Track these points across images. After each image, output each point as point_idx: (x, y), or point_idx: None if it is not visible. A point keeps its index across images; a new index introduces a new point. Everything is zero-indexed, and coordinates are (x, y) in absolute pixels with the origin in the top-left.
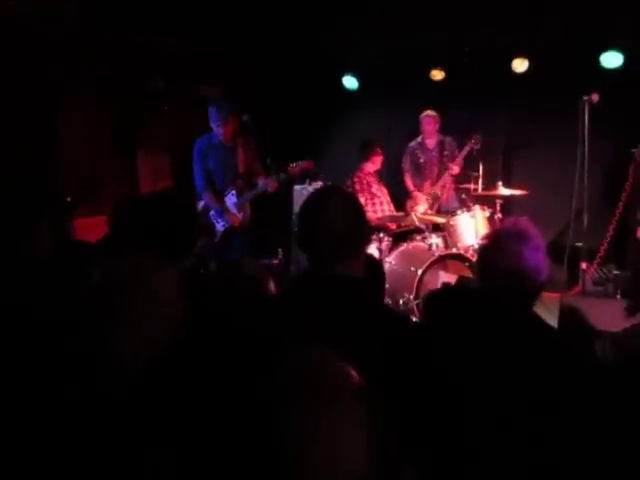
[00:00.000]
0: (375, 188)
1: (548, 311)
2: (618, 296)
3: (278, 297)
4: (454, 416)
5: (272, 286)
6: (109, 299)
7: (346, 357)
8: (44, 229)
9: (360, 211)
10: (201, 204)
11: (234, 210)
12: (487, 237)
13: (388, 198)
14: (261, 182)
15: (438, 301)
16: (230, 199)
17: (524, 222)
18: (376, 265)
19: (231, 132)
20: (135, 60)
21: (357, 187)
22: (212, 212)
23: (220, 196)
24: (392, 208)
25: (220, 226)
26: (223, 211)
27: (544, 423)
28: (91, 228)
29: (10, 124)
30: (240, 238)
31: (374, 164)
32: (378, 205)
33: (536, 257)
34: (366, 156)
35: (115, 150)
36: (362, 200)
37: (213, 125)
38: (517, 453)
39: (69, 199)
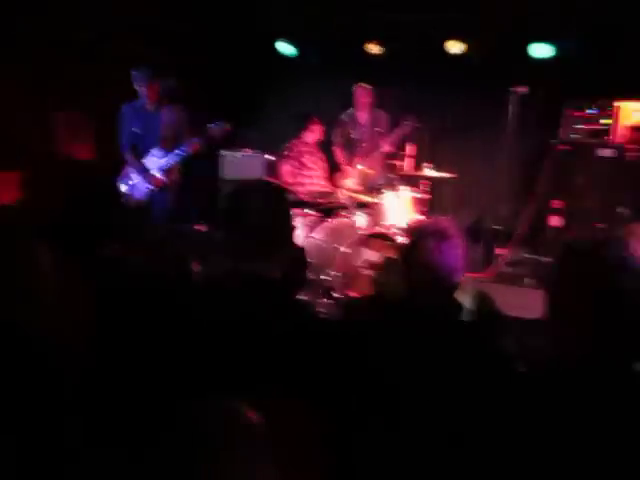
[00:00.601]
0: (307, 159)
1: (462, 291)
2: (526, 279)
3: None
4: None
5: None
6: None
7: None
8: None
9: (285, 208)
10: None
11: (156, 172)
12: (409, 234)
13: (322, 172)
14: (185, 144)
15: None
16: (151, 161)
17: (445, 221)
18: (300, 252)
19: (155, 96)
20: (62, 12)
21: (287, 154)
22: (133, 173)
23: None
24: (324, 183)
25: (143, 188)
26: (144, 171)
27: (454, 424)
28: (2, 183)
29: None
30: (164, 201)
31: (313, 133)
32: (307, 178)
33: (455, 256)
34: (304, 125)
35: (30, 105)
36: (289, 168)
37: (137, 87)
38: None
39: None
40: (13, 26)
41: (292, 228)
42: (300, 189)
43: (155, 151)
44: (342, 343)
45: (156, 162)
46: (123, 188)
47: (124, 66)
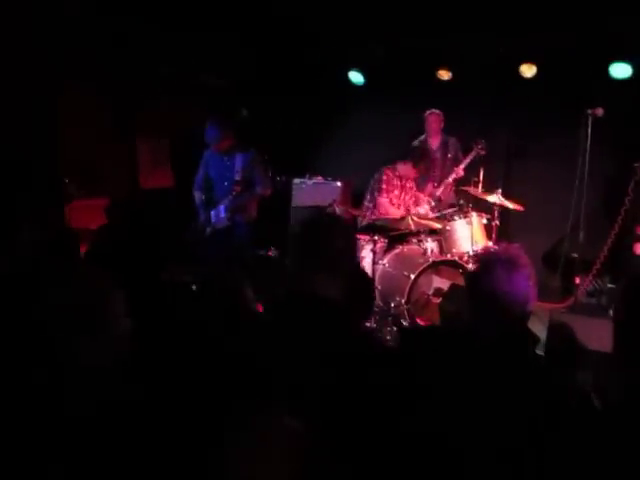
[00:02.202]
0: (398, 190)
1: (539, 321)
2: (610, 311)
3: (260, 318)
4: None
5: (249, 295)
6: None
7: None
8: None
9: (351, 237)
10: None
11: (222, 215)
12: (479, 261)
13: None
14: (257, 188)
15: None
16: (221, 206)
17: (516, 249)
18: (366, 281)
19: (226, 147)
20: (138, 45)
21: (383, 187)
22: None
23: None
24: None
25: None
26: (201, 208)
27: (521, 461)
28: (89, 209)
29: (10, 107)
30: (242, 232)
31: (414, 169)
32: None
33: (525, 285)
34: (418, 159)
35: (115, 134)
36: (385, 201)
37: (208, 142)
38: None
39: (67, 180)
40: (99, 59)
41: (355, 255)
42: (370, 217)
43: (224, 201)
44: (400, 373)
45: (221, 213)
46: (206, 217)
47: (201, 98)
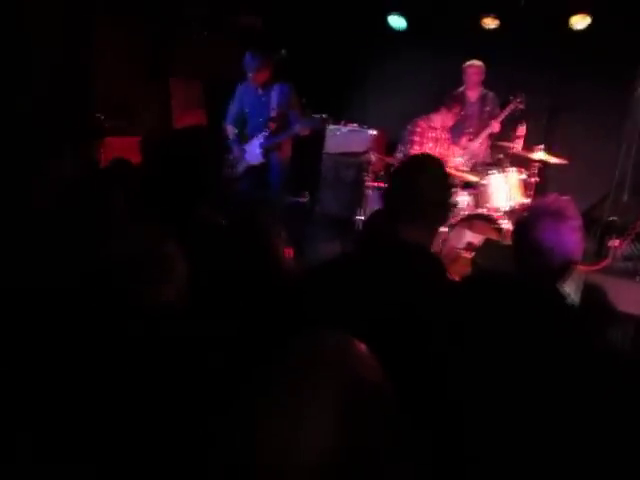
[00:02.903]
0: (433, 142)
1: (574, 283)
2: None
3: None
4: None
5: (282, 241)
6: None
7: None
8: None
9: (449, 185)
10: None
11: (256, 152)
12: (527, 210)
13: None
14: (293, 126)
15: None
16: (255, 141)
17: (565, 201)
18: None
19: (263, 80)
20: None
21: (415, 138)
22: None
23: (245, 138)
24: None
25: (239, 168)
26: (234, 143)
27: (549, 412)
28: (123, 148)
29: (44, 41)
30: (277, 170)
31: (448, 115)
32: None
33: (573, 238)
34: (450, 103)
35: (148, 74)
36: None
37: (246, 71)
38: (521, 446)
39: (101, 117)
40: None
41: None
42: None
43: (263, 132)
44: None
45: (259, 141)
46: (240, 157)
47: (234, 38)
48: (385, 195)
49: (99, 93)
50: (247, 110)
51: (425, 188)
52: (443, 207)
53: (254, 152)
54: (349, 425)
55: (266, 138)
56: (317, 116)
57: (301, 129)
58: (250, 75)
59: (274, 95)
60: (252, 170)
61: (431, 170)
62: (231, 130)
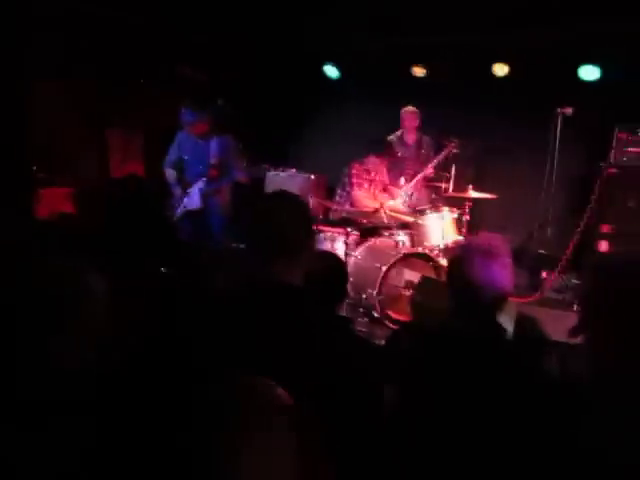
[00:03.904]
0: (368, 183)
1: (506, 315)
2: (575, 306)
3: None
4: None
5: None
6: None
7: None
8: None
9: (309, 219)
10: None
11: (194, 198)
12: (459, 248)
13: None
14: (233, 174)
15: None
16: (195, 187)
17: (495, 239)
18: (339, 267)
19: (201, 131)
20: (111, 37)
21: (355, 181)
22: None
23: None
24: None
25: (178, 211)
26: (175, 186)
27: (488, 441)
28: (58, 198)
29: None
30: (215, 219)
31: (375, 164)
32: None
33: (504, 274)
34: (382, 150)
35: (86, 125)
36: (363, 194)
37: (183, 124)
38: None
39: (34, 168)
40: (71, 49)
41: (313, 236)
42: (341, 209)
43: (200, 181)
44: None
45: (199, 185)
46: (180, 200)
47: (174, 88)
48: (248, 234)
49: (35, 144)
50: (186, 157)
51: (286, 225)
52: (306, 239)
53: (193, 197)
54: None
55: (206, 184)
56: (257, 166)
57: (241, 176)
58: (187, 128)
59: (213, 144)
60: (191, 214)
61: (288, 207)
62: (171, 173)
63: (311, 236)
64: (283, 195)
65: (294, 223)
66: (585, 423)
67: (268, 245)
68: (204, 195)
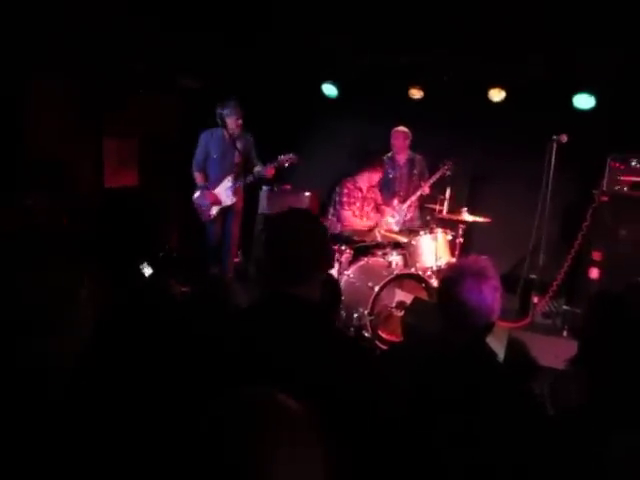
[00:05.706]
0: (360, 202)
1: (497, 340)
2: (565, 332)
3: (237, 317)
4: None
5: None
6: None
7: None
8: None
9: (325, 237)
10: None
11: (228, 194)
12: (450, 270)
13: (367, 213)
14: (258, 169)
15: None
16: (225, 184)
17: (485, 261)
18: (333, 285)
19: (239, 126)
20: (114, 43)
21: (345, 200)
22: (197, 194)
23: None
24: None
25: (213, 211)
26: (205, 189)
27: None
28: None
29: None
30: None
31: (374, 174)
32: (356, 218)
33: (493, 297)
34: (373, 165)
35: (80, 133)
36: (349, 214)
37: (231, 119)
38: None
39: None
40: (68, 54)
41: (330, 259)
42: (337, 226)
43: (229, 174)
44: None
45: (228, 184)
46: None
47: (170, 96)
48: (267, 253)
49: (29, 153)
50: (215, 156)
51: (298, 245)
52: (321, 255)
53: (227, 194)
54: None
55: (233, 180)
56: (284, 155)
57: (266, 170)
58: (237, 120)
59: (240, 142)
60: (224, 211)
61: (298, 225)
62: (200, 177)
63: (329, 253)
64: (299, 214)
65: (313, 242)
66: (578, 449)
67: (288, 265)
68: (233, 191)
